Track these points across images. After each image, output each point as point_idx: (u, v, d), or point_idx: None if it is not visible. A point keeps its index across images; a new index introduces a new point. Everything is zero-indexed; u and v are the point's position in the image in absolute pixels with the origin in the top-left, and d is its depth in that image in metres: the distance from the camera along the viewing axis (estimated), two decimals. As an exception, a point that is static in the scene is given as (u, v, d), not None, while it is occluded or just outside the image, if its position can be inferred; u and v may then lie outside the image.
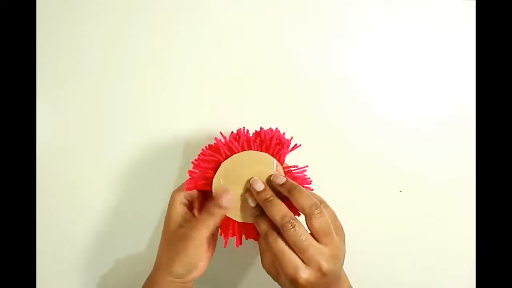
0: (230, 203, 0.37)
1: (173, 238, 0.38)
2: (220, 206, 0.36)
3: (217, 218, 0.37)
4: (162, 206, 0.47)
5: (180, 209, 0.39)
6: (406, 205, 0.46)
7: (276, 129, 0.40)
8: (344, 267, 0.37)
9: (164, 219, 0.41)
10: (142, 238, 0.48)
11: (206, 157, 0.38)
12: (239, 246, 0.39)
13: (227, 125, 0.46)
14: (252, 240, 0.40)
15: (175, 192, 0.41)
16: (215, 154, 0.38)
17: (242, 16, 0.46)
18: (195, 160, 0.39)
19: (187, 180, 0.39)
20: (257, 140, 0.38)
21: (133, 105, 0.47)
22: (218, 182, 0.38)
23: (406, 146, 0.46)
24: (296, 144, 0.39)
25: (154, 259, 0.41)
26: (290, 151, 0.39)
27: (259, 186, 0.37)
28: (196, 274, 0.39)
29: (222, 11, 0.46)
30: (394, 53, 0.46)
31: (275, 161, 0.37)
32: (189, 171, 0.39)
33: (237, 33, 0.46)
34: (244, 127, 0.40)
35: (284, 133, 0.39)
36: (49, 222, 0.48)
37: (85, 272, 0.48)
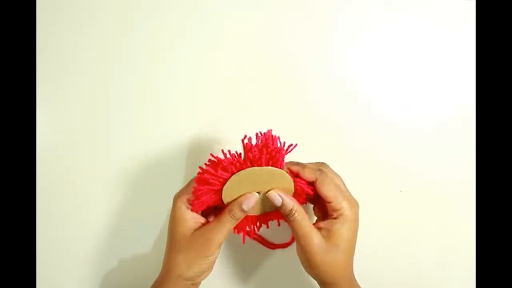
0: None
1: (192, 241, 0.37)
2: (242, 210, 0.37)
3: (238, 221, 0.37)
4: (167, 208, 0.46)
5: (186, 213, 0.38)
6: (406, 205, 0.46)
7: (269, 132, 0.35)
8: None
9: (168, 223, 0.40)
10: (147, 241, 0.48)
11: (208, 177, 0.36)
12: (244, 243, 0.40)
13: (227, 125, 0.46)
14: (254, 242, 0.40)
15: (178, 196, 0.39)
16: (215, 179, 0.36)
17: (242, 16, 0.46)
18: (196, 178, 0.36)
19: (192, 201, 0.37)
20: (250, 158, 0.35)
21: (136, 106, 0.47)
22: (228, 195, 0.37)
23: (406, 146, 0.46)
24: (291, 145, 0.36)
25: (157, 263, 0.40)
26: (285, 154, 0.37)
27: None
28: (206, 275, 0.39)
29: (222, 12, 0.46)
30: (394, 53, 0.46)
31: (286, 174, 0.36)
32: (193, 193, 0.37)
33: (237, 33, 0.46)
34: (236, 152, 0.36)
35: (278, 137, 0.35)
36: (51, 224, 0.47)
37: (89, 275, 0.48)
